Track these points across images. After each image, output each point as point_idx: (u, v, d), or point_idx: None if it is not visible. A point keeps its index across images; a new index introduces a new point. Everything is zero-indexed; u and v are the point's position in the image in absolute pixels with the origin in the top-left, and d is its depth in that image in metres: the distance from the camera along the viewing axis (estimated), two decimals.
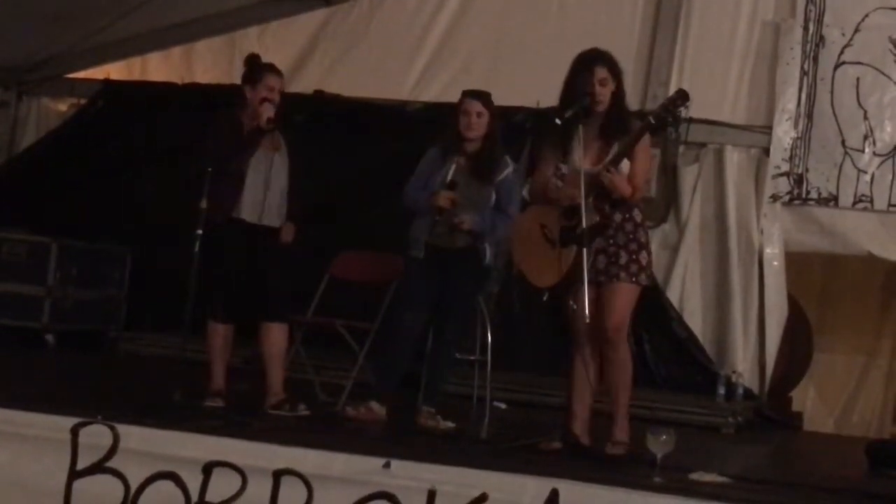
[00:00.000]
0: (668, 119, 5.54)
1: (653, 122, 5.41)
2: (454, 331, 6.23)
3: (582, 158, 5.35)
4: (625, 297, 5.43)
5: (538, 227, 5.52)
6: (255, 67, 6.20)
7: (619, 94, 5.48)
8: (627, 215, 5.44)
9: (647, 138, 5.47)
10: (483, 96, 6.30)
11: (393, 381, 6.25)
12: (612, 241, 5.42)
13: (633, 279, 5.42)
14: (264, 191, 6.06)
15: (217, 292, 6.08)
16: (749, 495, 4.71)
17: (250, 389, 6.40)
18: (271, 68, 6.21)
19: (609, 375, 5.50)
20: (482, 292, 6.53)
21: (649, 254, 5.52)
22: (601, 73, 5.43)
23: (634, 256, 5.42)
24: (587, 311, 5.20)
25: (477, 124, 6.22)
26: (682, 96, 5.48)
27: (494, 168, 6.26)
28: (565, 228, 5.39)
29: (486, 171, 6.24)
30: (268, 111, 6.03)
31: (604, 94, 5.42)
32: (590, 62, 5.47)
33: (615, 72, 5.48)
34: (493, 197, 6.25)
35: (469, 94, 6.31)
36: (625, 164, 5.38)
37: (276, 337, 6.14)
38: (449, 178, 6.22)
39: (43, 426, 5.00)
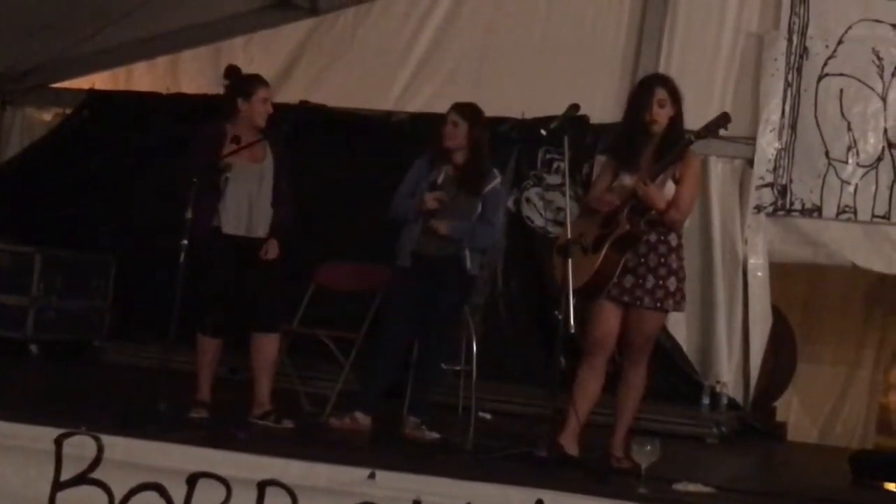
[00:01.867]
0: (708, 139, 5.61)
1: (693, 140, 5.46)
2: (439, 340, 6.23)
3: (627, 176, 5.42)
4: (651, 324, 5.53)
5: (577, 235, 5.57)
6: (246, 80, 6.20)
7: (676, 119, 5.55)
8: (663, 237, 5.49)
9: (698, 169, 5.54)
10: (461, 107, 6.31)
11: (378, 392, 6.25)
12: (642, 261, 5.47)
13: (658, 304, 5.48)
14: (249, 203, 6.06)
15: (206, 306, 6.06)
16: None
17: (235, 400, 6.39)
18: (261, 80, 6.22)
19: (620, 393, 5.60)
20: (467, 302, 6.52)
21: (680, 280, 5.53)
22: (661, 94, 5.53)
23: (661, 282, 5.47)
24: (572, 323, 5.22)
25: (452, 134, 6.24)
26: (725, 118, 5.57)
27: (482, 179, 6.27)
28: (599, 236, 5.44)
29: (474, 183, 6.25)
30: (261, 120, 6.08)
31: (661, 115, 5.50)
32: (651, 83, 5.61)
33: (675, 96, 5.57)
34: (479, 208, 6.26)
35: (452, 106, 6.34)
36: (670, 187, 5.43)
37: (267, 348, 6.13)
38: (438, 183, 6.24)
39: (26, 437, 4.98)
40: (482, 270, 6.51)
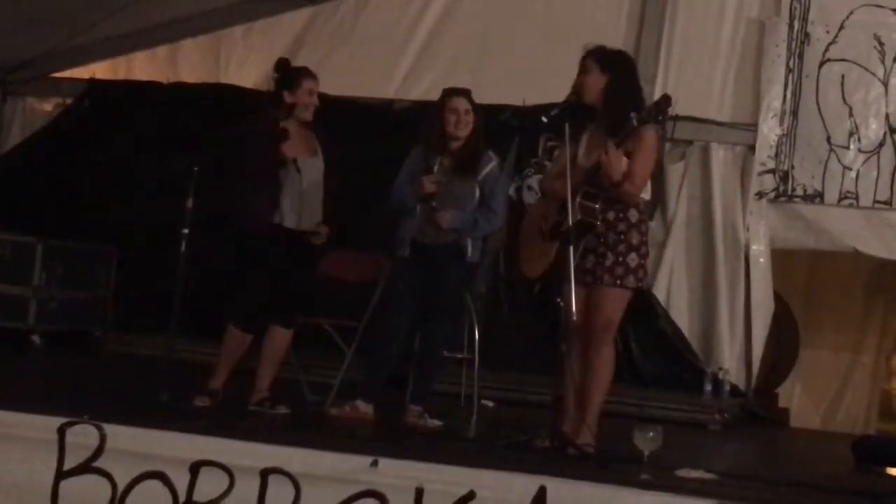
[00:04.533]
0: (651, 123, 5.51)
1: (636, 126, 5.38)
2: (441, 329, 6.23)
3: (568, 154, 5.35)
4: (609, 300, 5.40)
5: (539, 219, 5.54)
6: (292, 71, 6.19)
7: (610, 86, 5.43)
8: (621, 215, 5.41)
9: (651, 141, 5.44)
10: (467, 93, 6.30)
11: (380, 381, 6.25)
12: (602, 241, 5.40)
13: (618, 282, 5.39)
14: (303, 197, 6.06)
15: (248, 299, 6.05)
16: (736, 492, 4.72)
17: (238, 390, 6.39)
18: (308, 72, 6.20)
19: (586, 376, 5.43)
20: (468, 290, 6.51)
21: (642, 256, 5.44)
22: (584, 63, 5.45)
23: (621, 259, 5.39)
24: (574, 309, 5.19)
25: (465, 122, 6.22)
26: (666, 101, 5.48)
27: (477, 164, 6.26)
28: (556, 222, 5.40)
29: (470, 167, 6.24)
30: (307, 114, 6.09)
31: (585, 84, 5.42)
32: (581, 58, 5.50)
33: (603, 63, 5.45)
34: (477, 192, 6.25)
35: (454, 93, 6.30)
36: (623, 163, 5.37)
37: (280, 341, 6.14)
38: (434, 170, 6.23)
39: (29, 426, 4.98)
40: (484, 258, 6.47)
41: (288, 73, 6.19)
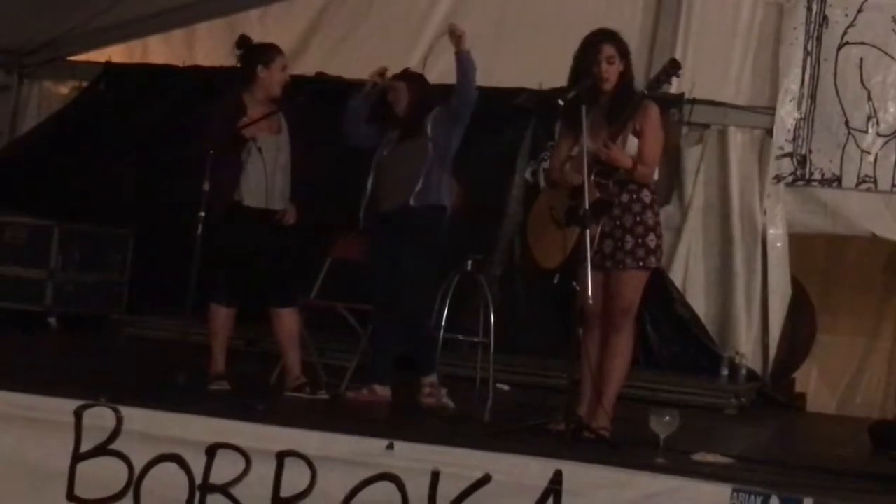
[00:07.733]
0: (661, 89, 5.47)
1: (646, 93, 5.36)
2: (411, 296, 6.11)
3: (587, 139, 5.32)
4: (631, 283, 5.40)
5: (547, 209, 5.52)
6: (264, 48, 6.20)
7: (626, 75, 5.43)
8: (635, 196, 5.39)
9: (656, 117, 5.42)
10: (404, 71, 6.45)
11: (387, 363, 6.22)
12: (618, 223, 5.37)
13: (640, 264, 5.38)
14: (266, 174, 6.05)
15: (220, 275, 6.07)
16: (752, 476, 4.72)
17: (254, 371, 6.40)
18: (278, 48, 6.24)
19: (605, 360, 5.43)
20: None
21: (658, 236, 5.44)
22: (608, 50, 5.40)
23: (641, 240, 5.37)
24: (590, 293, 5.17)
25: (394, 98, 6.32)
26: (674, 65, 5.45)
27: (422, 125, 6.24)
28: (570, 208, 5.37)
29: (415, 132, 6.24)
30: (278, 90, 6.11)
31: (610, 72, 5.38)
32: (597, 41, 5.45)
33: (623, 51, 5.43)
34: (431, 148, 6.20)
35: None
36: (633, 143, 5.35)
37: (287, 322, 6.15)
38: (385, 152, 6.29)
39: (46, 409, 5.01)
40: (500, 239, 6.43)
41: (260, 49, 6.21)
